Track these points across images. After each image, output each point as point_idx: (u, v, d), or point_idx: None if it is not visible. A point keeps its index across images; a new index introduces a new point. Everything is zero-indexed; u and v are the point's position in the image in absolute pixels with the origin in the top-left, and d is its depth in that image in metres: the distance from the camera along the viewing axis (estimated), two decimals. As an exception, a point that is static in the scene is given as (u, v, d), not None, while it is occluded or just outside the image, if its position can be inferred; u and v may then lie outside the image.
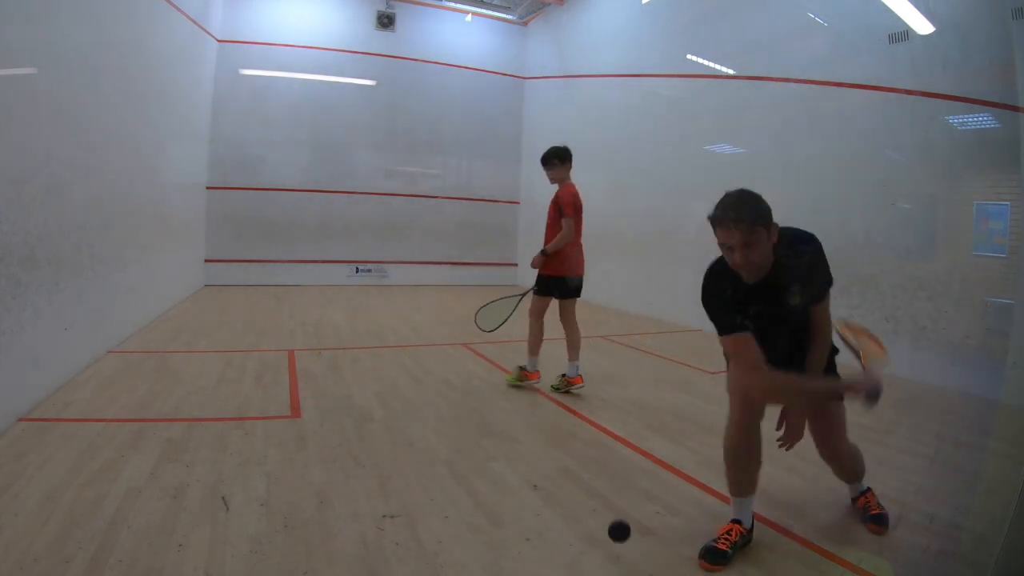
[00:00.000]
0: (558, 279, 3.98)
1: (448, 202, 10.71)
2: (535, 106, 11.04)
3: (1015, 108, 3.96)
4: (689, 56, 7.27)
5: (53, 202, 3.26)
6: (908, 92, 4.75)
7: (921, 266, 4.70)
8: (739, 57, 6.52)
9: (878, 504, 2.20)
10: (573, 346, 3.93)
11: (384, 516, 2.08)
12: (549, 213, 4.18)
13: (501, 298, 4.08)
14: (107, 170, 4.26)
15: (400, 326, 6.21)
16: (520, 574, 1.77)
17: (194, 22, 7.19)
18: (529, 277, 4.27)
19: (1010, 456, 2.87)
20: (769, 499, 2.35)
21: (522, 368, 4.01)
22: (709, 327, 1.94)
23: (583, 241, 4.23)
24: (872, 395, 1.76)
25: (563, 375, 3.93)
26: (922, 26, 4.68)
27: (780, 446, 2.01)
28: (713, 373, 4.67)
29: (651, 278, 7.82)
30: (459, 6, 10.51)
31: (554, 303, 4.01)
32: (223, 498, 2.14)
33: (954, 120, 4.51)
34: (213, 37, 8.65)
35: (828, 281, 1.99)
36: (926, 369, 4.53)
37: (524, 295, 4.04)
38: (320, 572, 1.73)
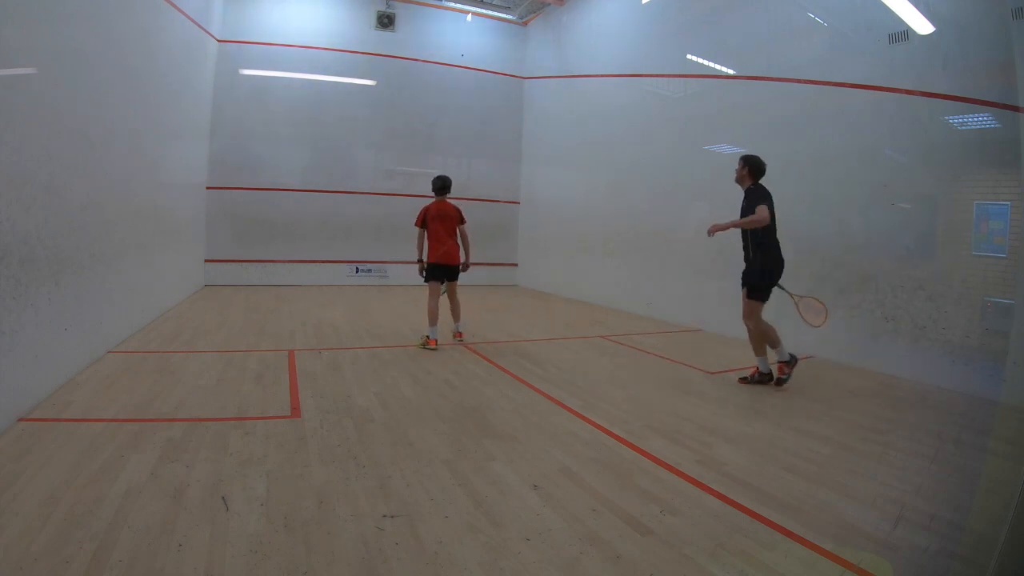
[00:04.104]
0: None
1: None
2: (535, 106, 11.05)
3: (1015, 108, 3.96)
4: (689, 56, 7.27)
5: (53, 202, 3.26)
6: (908, 92, 4.75)
7: (921, 266, 4.71)
8: (739, 57, 6.52)
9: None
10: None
11: (384, 516, 2.08)
12: (446, 223, 5.29)
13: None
14: (107, 170, 4.26)
15: (400, 326, 6.20)
16: (520, 574, 1.77)
17: (194, 22, 7.19)
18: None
19: (1010, 456, 2.88)
20: (769, 499, 2.35)
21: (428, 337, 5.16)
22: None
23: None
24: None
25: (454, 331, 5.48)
26: (922, 26, 4.68)
27: None
28: (713, 373, 4.67)
29: (651, 278, 7.82)
30: (459, 6, 10.52)
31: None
32: (223, 498, 2.14)
33: (954, 120, 4.51)
34: (213, 37, 8.65)
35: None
36: (926, 369, 4.53)
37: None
38: (320, 572, 1.73)
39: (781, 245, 4.19)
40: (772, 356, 4.23)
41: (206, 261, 8.96)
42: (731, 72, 6.66)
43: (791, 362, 4.18)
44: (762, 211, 3.97)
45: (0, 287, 2.68)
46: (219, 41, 8.94)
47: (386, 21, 10.04)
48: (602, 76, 9.04)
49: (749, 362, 5.13)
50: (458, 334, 5.46)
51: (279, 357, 4.52)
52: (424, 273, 5.28)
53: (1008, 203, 4.15)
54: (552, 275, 10.12)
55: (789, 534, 2.07)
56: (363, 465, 2.53)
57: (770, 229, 4.12)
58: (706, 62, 7.03)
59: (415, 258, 5.31)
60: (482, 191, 11.01)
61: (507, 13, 10.91)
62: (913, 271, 4.74)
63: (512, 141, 11.24)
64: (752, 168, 4.24)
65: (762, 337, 4.20)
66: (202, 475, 2.34)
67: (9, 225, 2.75)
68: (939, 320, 4.52)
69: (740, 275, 4.32)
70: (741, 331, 6.33)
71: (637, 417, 3.41)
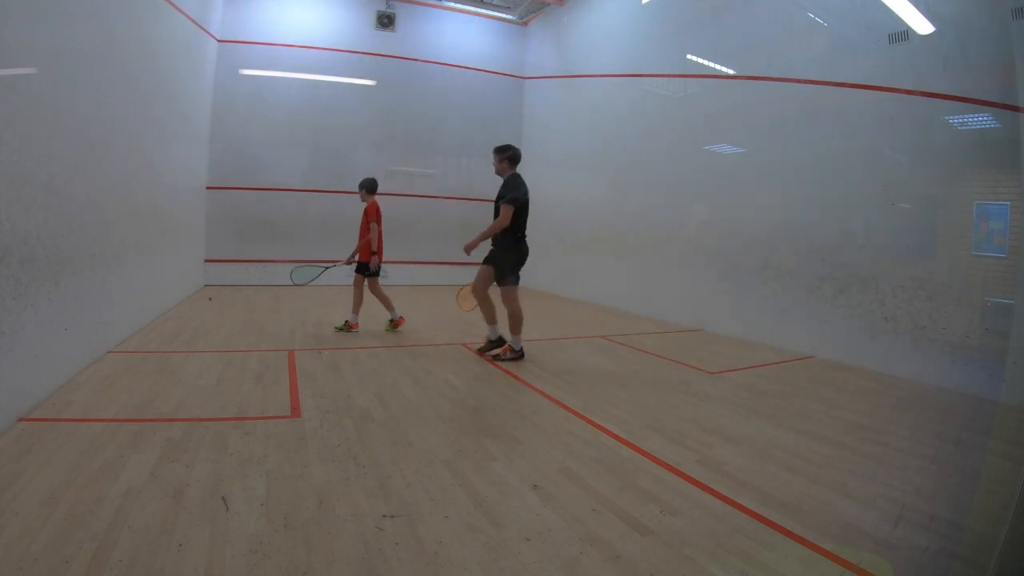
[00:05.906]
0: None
1: (448, 202, 10.71)
2: (535, 106, 11.05)
3: (1015, 108, 3.96)
4: (689, 56, 7.27)
5: (53, 202, 3.26)
6: (908, 92, 4.75)
7: (921, 266, 4.71)
8: (739, 57, 6.52)
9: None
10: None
11: (384, 516, 2.08)
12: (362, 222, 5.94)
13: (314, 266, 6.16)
14: (107, 170, 4.26)
15: (400, 326, 6.20)
16: (520, 574, 1.77)
17: (194, 22, 7.19)
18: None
19: (1010, 456, 2.88)
20: (769, 499, 2.35)
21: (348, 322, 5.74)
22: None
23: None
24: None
25: (347, 321, 5.74)
26: (922, 26, 4.68)
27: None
28: (713, 373, 4.67)
29: (651, 278, 7.82)
30: (459, 6, 10.52)
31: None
32: (223, 498, 2.14)
33: (954, 120, 4.51)
34: (213, 37, 8.65)
35: None
36: (926, 369, 4.54)
37: (328, 268, 6.20)
38: (320, 572, 1.73)
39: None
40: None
41: (206, 261, 8.96)
42: (731, 72, 6.66)
43: (497, 342, 4.73)
44: (506, 212, 4.46)
45: (0, 287, 2.68)
46: (219, 41, 8.93)
47: (386, 21, 10.04)
48: (602, 76, 9.03)
49: (749, 362, 5.14)
50: (353, 325, 5.76)
51: (279, 357, 4.52)
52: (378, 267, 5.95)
53: (1008, 203, 4.16)
54: (552, 275, 10.11)
55: (789, 534, 2.07)
56: (363, 465, 2.53)
57: (518, 219, 4.62)
58: (706, 62, 7.03)
59: (375, 252, 6.06)
60: (482, 191, 10.96)
61: (507, 13, 10.91)
62: (913, 271, 4.74)
63: (512, 141, 11.15)
64: (509, 158, 4.67)
65: (513, 316, 4.63)
66: (202, 475, 2.34)
67: (9, 225, 2.75)
68: (939, 320, 4.52)
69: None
70: (741, 331, 6.35)
71: (637, 417, 3.41)
